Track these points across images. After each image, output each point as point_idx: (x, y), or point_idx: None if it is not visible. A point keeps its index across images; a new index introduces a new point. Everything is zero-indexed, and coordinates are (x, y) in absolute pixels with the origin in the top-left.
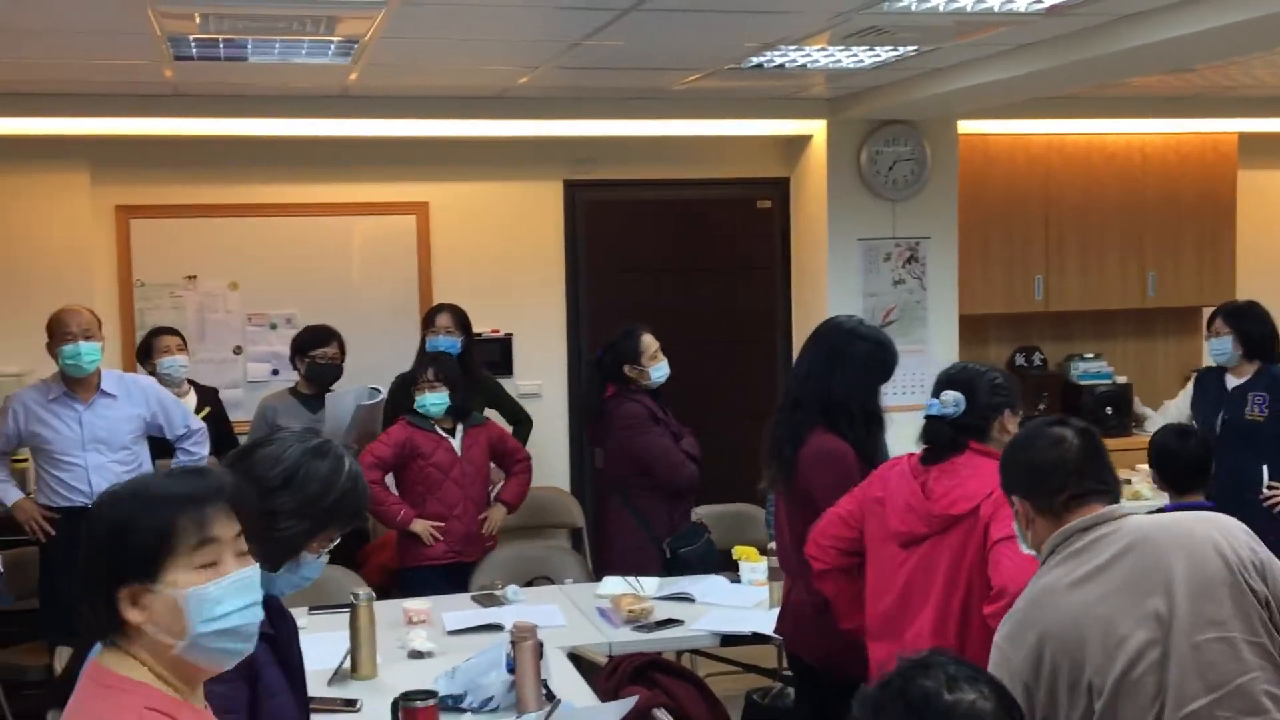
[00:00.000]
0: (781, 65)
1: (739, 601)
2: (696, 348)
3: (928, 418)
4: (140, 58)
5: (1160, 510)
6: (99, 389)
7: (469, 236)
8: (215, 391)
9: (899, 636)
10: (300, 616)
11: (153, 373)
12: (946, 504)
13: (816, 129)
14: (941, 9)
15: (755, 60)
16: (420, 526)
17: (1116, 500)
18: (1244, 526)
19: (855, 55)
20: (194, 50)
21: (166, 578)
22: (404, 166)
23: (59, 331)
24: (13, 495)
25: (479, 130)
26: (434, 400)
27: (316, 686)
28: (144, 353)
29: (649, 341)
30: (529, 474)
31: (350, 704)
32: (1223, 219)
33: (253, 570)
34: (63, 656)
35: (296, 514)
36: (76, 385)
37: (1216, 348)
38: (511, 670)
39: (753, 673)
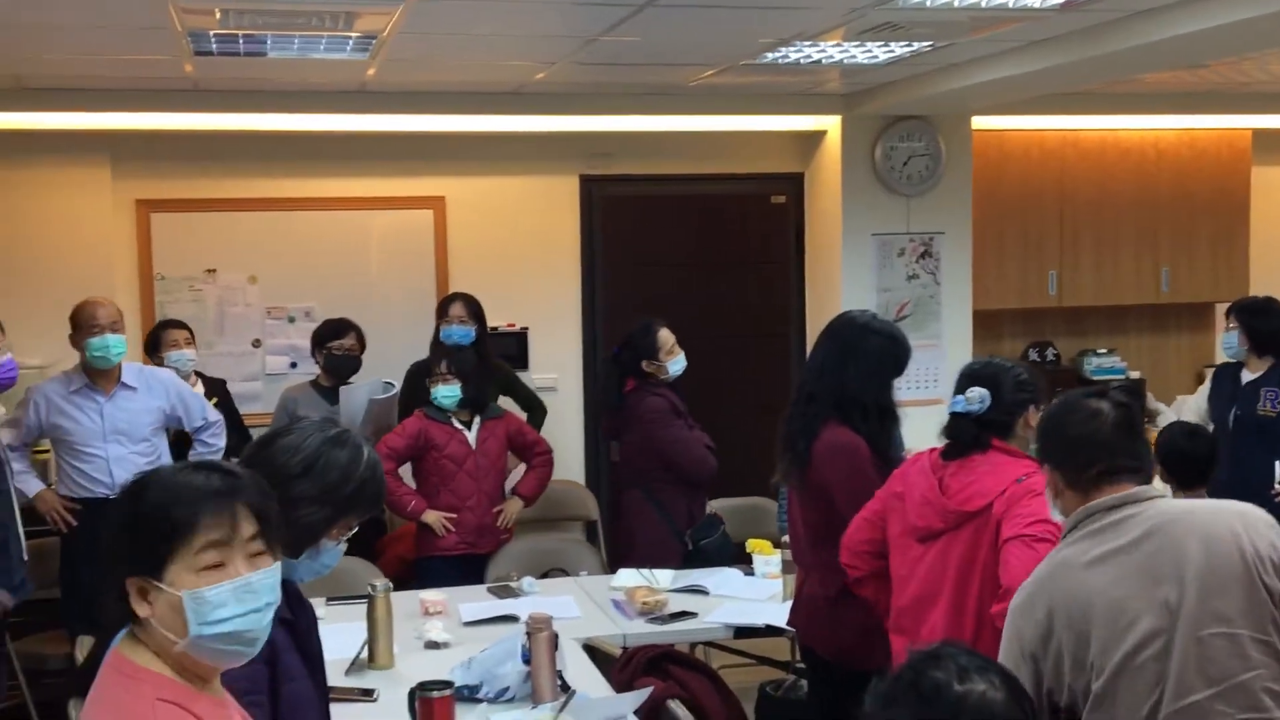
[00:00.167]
0: (796, 61)
1: (752, 594)
2: (711, 342)
3: (952, 414)
4: (161, 53)
5: None
6: (120, 381)
7: (485, 231)
8: (223, 383)
9: (917, 631)
10: (318, 607)
11: (159, 365)
12: (961, 500)
13: (831, 124)
14: (956, 4)
15: (770, 56)
16: (432, 517)
17: (1148, 479)
18: (1271, 520)
19: (870, 51)
20: (214, 45)
21: (169, 576)
22: (421, 161)
23: (87, 324)
24: (34, 486)
25: (496, 125)
26: (446, 393)
27: (334, 676)
28: (151, 346)
29: (666, 336)
30: (549, 467)
31: (367, 693)
32: (1236, 215)
33: (262, 575)
34: (84, 646)
35: (317, 501)
36: (98, 377)
37: (1227, 342)
38: (527, 661)
39: (766, 665)
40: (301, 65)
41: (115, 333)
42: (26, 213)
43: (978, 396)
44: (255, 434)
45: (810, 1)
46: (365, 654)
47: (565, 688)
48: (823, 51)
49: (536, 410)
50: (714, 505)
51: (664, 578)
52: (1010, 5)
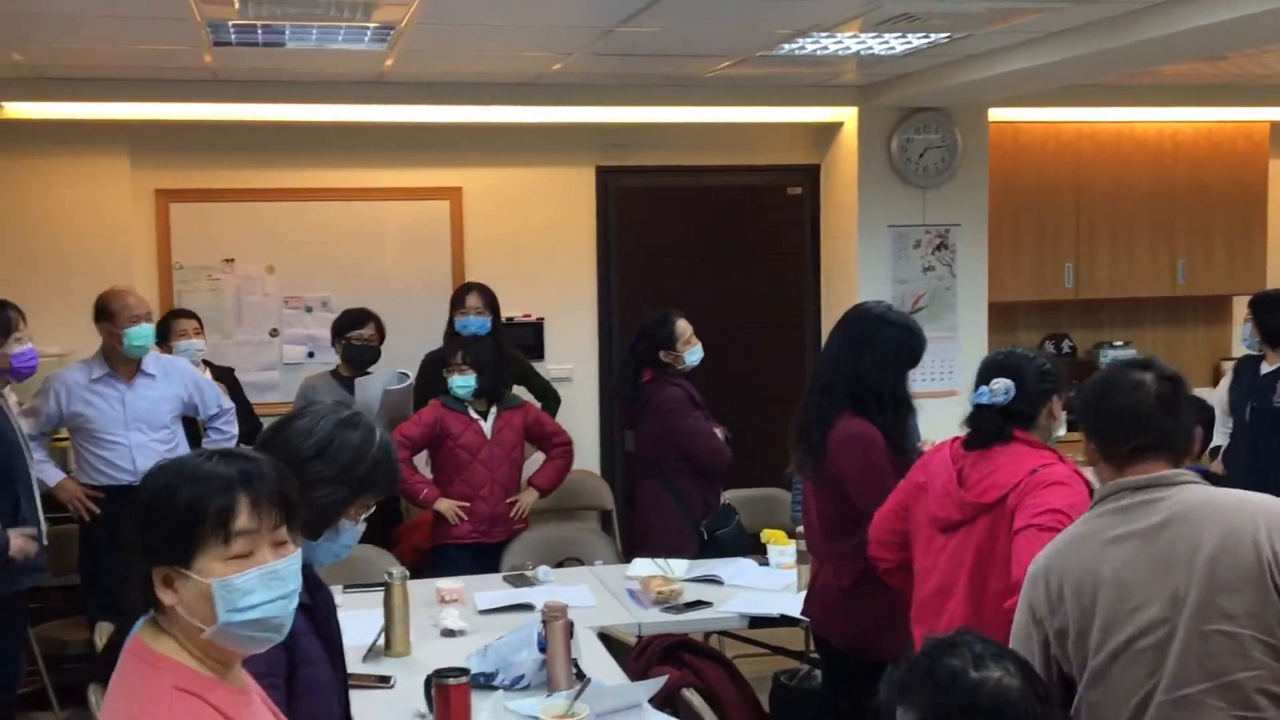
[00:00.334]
0: (813, 52)
1: (767, 584)
2: (726, 333)
3: (976, 405)
4: (180, 43)
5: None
6: (140, 369)
7: (502, 221)
8: (231, 370)
9: (937, 621)
10: (336, 595)
11: (168, 354)
12: (978, 492)
13: (847, 116)
14: None
15: (787, 47)
16: (445, 505)
17: (1182, 457)
18: None
19: (887, 42)
20: (233, 36)
21: (197, 564)
22: (438, 152)
23: (126, 314)
24: (55, 476)
25: (512, 116)
26: (460, 383)
27: (351, 663)
28: (160, 335)
29: (684, 327)
30: (567, 459)
31: (384, 680)
32: (1254, 208)
33: (286, 562)
34: (103, 632)
35: (332, 482)
36: (120, 366)
37: (1244, 334)
38: (542, 649)
39: (780, 655)
40: (320, 56)
41: (149, 322)
42: (46, 202)
43: (1002, 388)
44: (269, 423)
45: None
46: (382, 641)
47: (580, 676)
48: (839, 43)
49: (550, 400)
50: (728, 496)
51: (679, 567)
52: None
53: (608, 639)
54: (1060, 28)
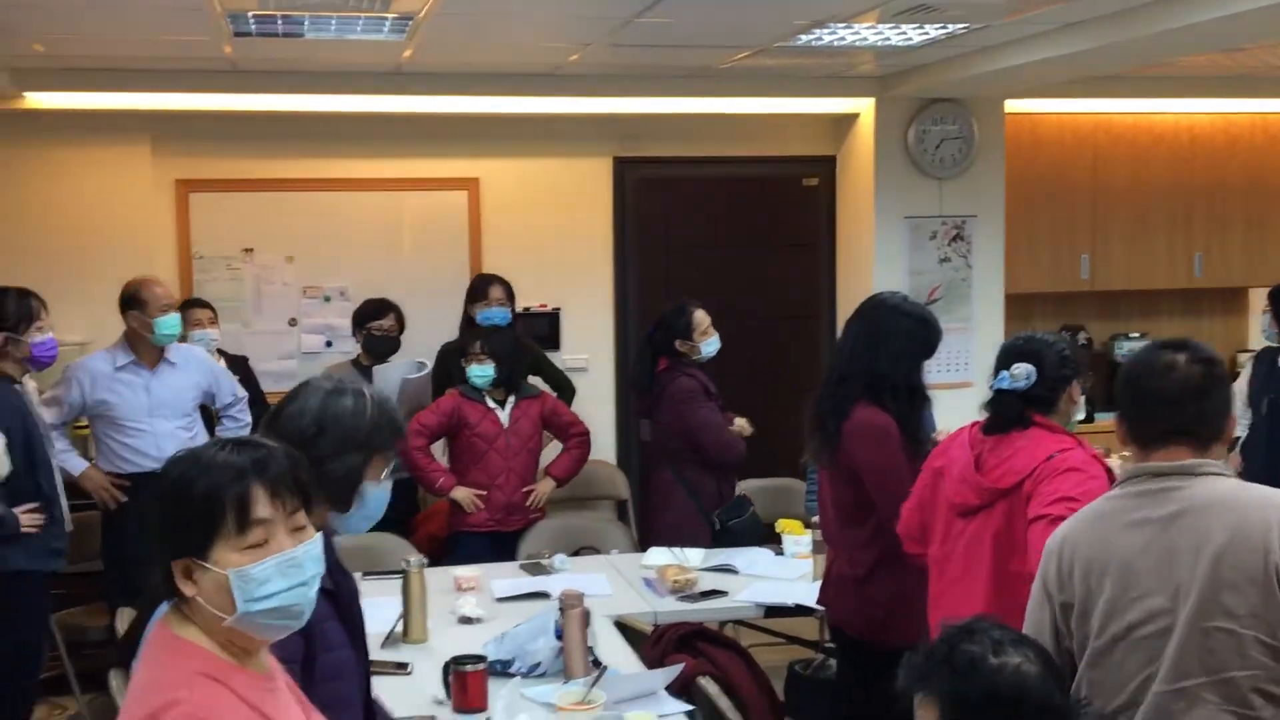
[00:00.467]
0: (830, 43)
1: (782, 574)
2: (742, 324)
3: (996, 390)
4: (200, 34)
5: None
6: (162, 358)
7: (519, 212)
8: (245, 360)
9: (956, 607)
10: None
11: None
12: (995, 477)
13: (864, 107)
14: None
15: (804, 38)
16: (461, 494)
17: (1208, 445)
18: None
19: (904, 33)
20: (253, 26)
21: (214, 555)
22: (456, 143)
23: (156, 303)
24: (78, 465)
25: (530, 107)
26: (479, 372)
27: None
28: None
29: (701, 317)
30: (584, 449)
31: (402, 666)
32: (1271, 200)
33: (305, 549)
34: (124, 617)
35: (341, 451)
36: (144, 354)
37: (1263, 326)
38: (559, 637)
39: (795, 644)
40: (339, 46)
41: (177, 311)
42: (67, 192)
43: (1023, 373)
44: None
45: None
46: (400, 628)
47: (597, 663)
48: (857, 34)
49: (565, 390)
50: (743, 486)
51: (694, 556)
52: None
53: (624, 627)
54: (1077, 19)
